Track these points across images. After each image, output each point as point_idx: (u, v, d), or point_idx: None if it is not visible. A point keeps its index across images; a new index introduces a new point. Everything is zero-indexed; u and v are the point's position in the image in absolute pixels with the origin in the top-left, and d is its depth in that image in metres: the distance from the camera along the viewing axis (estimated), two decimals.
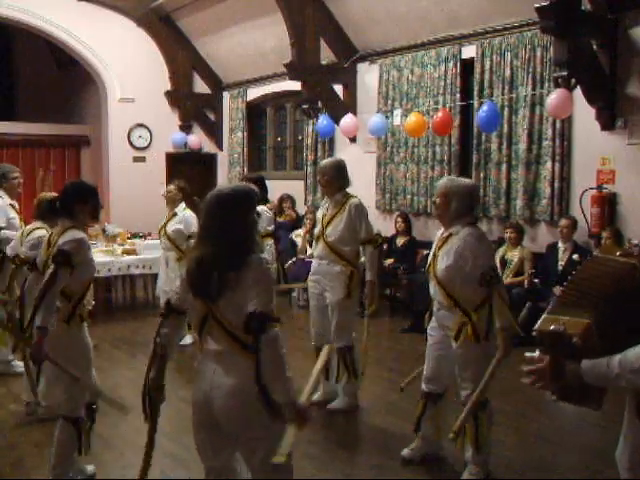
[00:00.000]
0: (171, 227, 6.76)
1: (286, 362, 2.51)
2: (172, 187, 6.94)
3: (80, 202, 3.68)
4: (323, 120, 9.21)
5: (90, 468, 4.02)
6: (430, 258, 3.86)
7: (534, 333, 2.20)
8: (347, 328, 4.97)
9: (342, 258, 4.85)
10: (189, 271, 2.70)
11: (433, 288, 3.82)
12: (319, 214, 5.15)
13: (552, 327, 2.12)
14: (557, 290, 6.61)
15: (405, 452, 4.13)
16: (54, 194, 4.98)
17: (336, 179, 4.89)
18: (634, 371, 1.98)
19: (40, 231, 4.76)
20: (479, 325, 3.67)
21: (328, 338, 4.89)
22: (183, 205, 6.87)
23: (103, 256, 8.14)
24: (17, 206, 6.18)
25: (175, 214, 6.81)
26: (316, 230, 5.07)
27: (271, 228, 6.41)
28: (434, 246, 3.86)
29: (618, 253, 2.26)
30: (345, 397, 5.00)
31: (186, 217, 6.67)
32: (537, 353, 2.20)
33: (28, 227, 5.02)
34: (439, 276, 3.72)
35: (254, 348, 2.50)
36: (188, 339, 6.62)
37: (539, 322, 2.21)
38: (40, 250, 3.94)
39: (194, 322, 2.73)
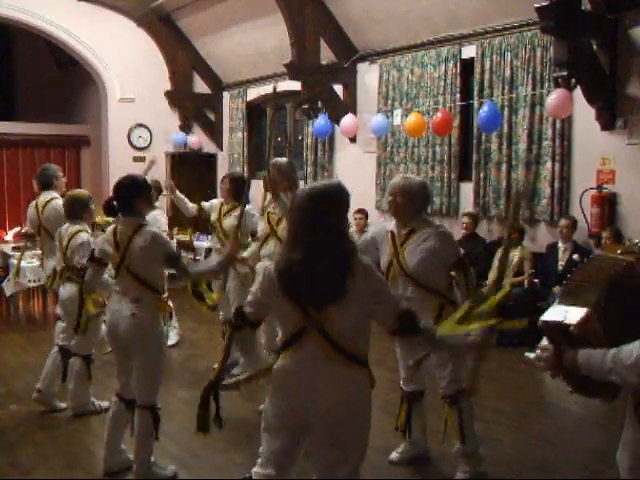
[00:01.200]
0: None
1: None
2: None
3: (138, 196, 3.75)
4: (322, 120, 9.20)
5: (171, 468, 4.01)
6: (390, 257, 3.80)
7: (540, 323, 2.26)
8: None
9: None
10: (288, 277, 2.52)
11: (401, 285, 3.78)
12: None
13: (554, 317, 2.18)
14: (557, 290, 6.62)
15: (393, 456, 4.15)
16: (82, 191, 5.17)
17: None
18: (626, 367, 2.01)
19: (83, 234, 4.77)
20: (456, 304, 3.74)
21: None
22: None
23: None
24: None
25: None
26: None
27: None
28: (388, 244, 3.83)
29: (619, 251, 2.29)
30: None
31: (155, 216, 6.11)
32: (534, 355, 2.27)
33: (70, 230, 4.85)
34: (411, 271, 3.74)
35: (358, 359, 2.59)
36: (173, 338, 6.61)
37: (545, 313, 2.27)
38: (100, 249, 3.89)
39: (288, 331, 2.60)
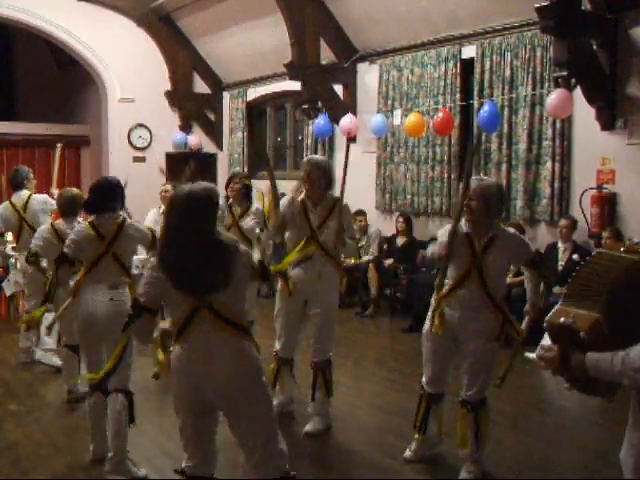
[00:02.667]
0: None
1: None
2: (169, 187, 6.98)
3: (115, 195, 4.12)
4: (321, 120, 9.20)
5: (143, 472, 4.01)
6: (468, 265, 3.72)
7: (545, 324, 2.26)
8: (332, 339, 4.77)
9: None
10: (169, 274, 2.75)
11: (470, 290, 3.72)
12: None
13: (562, 320, 2.17)
14: (557, 290, 6.62)
15: (407, 454, 4.13)
16: (77, 190, 5.44)
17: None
18: (636, 370, 1.99)
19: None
20: (512, 322, 3.82)
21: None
22: None
23: None
24: None
25: None
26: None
27: None
28: (465, 248, 3.73)
29: (622, 249, 2.28)
30: (321, 417, 4.65)
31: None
32: (535, 355, 2.27)
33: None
34: (490, 278, 3.69)
35: (244, 328, 2.86)
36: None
37: (550, 313, 2.27)
38: (74, 248, 4.06)
39: (181, 315, 2.80)
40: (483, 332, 3.75)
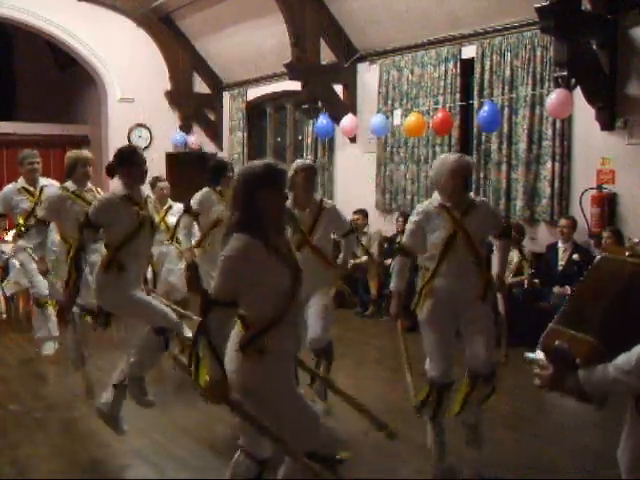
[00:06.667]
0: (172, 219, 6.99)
1: None
2: (166, 184, 7.15)
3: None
4: (322, 120, 9.20)
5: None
6: (451, 229, 3.82)
7: (538, 345, 2.26)
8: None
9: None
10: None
11: (458, 257, 3.82)
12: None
13: (556, 343, 2.17)
14: (557, 290, 6.62)
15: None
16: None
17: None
18: (626, 373, 2.00)
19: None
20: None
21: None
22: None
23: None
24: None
25: (171, 206, 7.04)
26: None
27: None
28: (443, 219, 3.85)
29: (627, 254, 2.26)
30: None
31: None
32: (533, 355, 2.27)
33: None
34: (476, 241, 3.84)
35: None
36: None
37: (545, 333, 2.27)
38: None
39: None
40: (477, 297, 3.87)
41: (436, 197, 3.95)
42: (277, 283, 2.71)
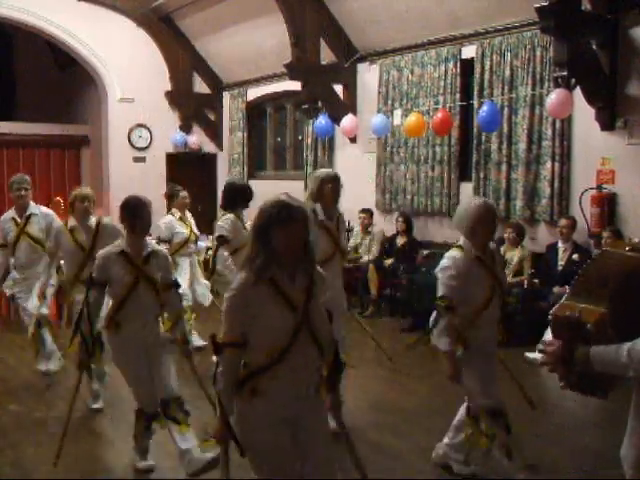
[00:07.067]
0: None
1: None
2: (186, 193, 7.16)
3: None
4: (322, 120, 9.21)
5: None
6: (489, 282, 3.72)
7: (549, 317, 2.26)
8: None
9: None
10: None
11: (494, 307, 3.76)
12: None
13: (568, 313, 2.17)
14: (557, 290, 6.62)
15: (473, 469, 4.01)
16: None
17: None
18: None
19: None
20: None
21: None
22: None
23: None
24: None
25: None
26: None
27: None
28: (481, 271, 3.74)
29: (627, 248, 2.28)
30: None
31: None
32: (534, 355, 2.27)
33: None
34: (505, 288, 3.87)
35: None
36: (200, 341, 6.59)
37: (555, 307, 2.28)
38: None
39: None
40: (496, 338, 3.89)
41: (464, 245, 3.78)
42: (275, 325, 2.60)
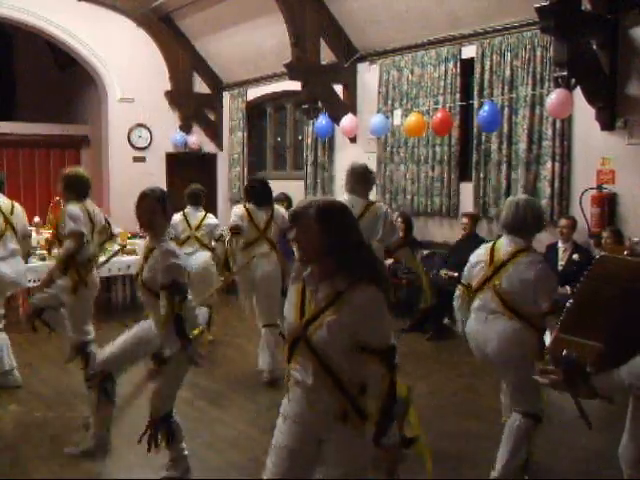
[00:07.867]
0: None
1: None
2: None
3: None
4: (322, 120, 9.21)
5: None
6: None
7: (545, 352, 2.26)
8: None
9: None
10: None
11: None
12: None
13: (565, 353, 2.17)
14: (559, 290, 6.61)
15: None
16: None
17: None
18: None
19: None
20: None
21: None
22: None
23: (103, 256, 8.14)
24: None
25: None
26: None
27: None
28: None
29: (625, 252, 2.27)
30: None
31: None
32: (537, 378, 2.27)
33: None
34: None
35: None
36: None
37: (550, 341, 2.27)
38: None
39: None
40: None
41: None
42: (288, 321, 2.55)
